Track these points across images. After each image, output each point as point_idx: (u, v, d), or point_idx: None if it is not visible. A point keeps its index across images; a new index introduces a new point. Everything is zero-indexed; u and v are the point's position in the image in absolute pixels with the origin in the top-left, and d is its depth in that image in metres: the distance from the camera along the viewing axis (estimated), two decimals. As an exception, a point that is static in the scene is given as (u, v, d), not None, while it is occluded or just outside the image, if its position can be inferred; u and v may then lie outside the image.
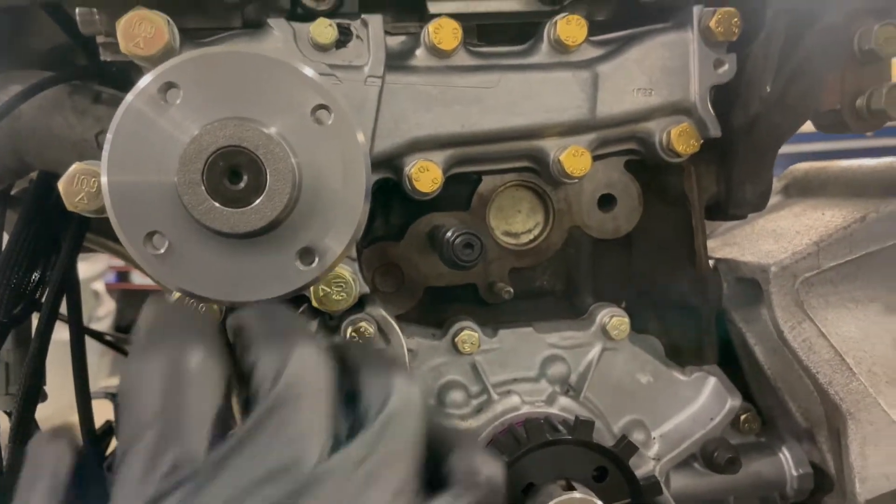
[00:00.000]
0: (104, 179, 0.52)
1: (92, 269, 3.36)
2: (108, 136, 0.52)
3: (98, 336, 1.26)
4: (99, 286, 3.62)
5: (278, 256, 0.54)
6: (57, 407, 1.00)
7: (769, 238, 0.82)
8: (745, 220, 0.87)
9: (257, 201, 0.51)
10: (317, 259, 0.54)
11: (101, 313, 3.55)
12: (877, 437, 0.68)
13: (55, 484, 0.41)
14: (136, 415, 0.40)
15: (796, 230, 0.79)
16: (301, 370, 0.41)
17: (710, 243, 0.88)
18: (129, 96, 0.53)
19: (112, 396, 1.23)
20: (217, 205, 0.50)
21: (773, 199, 0.93)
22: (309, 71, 0.54)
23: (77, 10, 0.70)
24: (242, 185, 0.51)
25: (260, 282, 0.54)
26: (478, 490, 0.42)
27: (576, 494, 0.63)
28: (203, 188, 0.50)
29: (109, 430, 1.15)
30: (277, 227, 0.53)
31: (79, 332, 0.92)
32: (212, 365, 0.41)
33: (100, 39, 0.72)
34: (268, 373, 0.41)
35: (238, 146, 0.50)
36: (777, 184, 0.96)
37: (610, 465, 0.67)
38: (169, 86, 0.52)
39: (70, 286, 0.90)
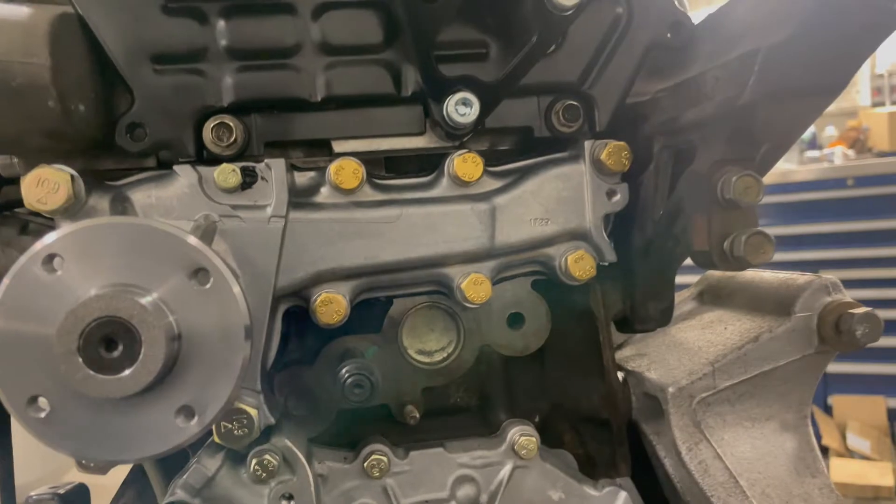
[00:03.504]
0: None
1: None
2: (3, 285, 0.55)
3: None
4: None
5: (158, 416, 0.56)
6: None
7: (676, 351, 0.84)
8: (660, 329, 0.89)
9: (132, 368, 0.53)
10: (196, 416, 0.56)
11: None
12: (768, 563, 0.70)
13: None
14: None
15: (699, 345, 0.82)
16: None
17: (625, 351, 0.90)
18: (21, 259, 0.55)
19: (60, 498, 1.23)
20: (93, 373, 0.53)
21: (688, 306, 0.96)
22: (188, 236, 0.57)
23: (-5, 156, 0.74)
24: (117, 353, 0.53)
25: (141, 441, 0.56)
26: None
27: None
28: (79, 358, 0.53)
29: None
30: (155, 389, 0.55)
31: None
32: None
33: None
34: None
35: (113, 316, 0.53)
36: (694, 289, 0.99)
37: None
38: (51, 257, 0.54)
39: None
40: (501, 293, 0.82)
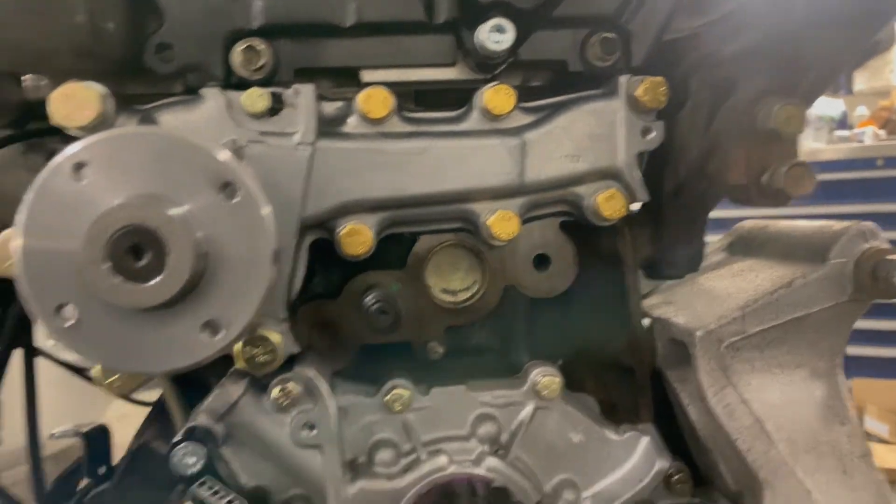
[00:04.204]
0: (17, 243, 0.54)
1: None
2: (26, 200, 0.55)
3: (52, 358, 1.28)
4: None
5: (184, 329, 0.55)
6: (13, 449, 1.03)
7: (704, 298, 0.82)
8: (688, 276, 0.88)
9: (158, 278, 0.53)
10: (222, 331, 0.56)
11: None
12: (791, 506, 0.69)
13: None
14: None
15: (729, 292, 0.80)
16: None
17: (652, 299, 0.89)
18: (49, 166, 0.55)
19: (83, 436, 1.24)
20: (120, 281, 0.52)
21: (718, 256, 0.94)
22: (218, 151, 0.56)
23: (23, 77, 0.73)
24: (144, 262, 0.53)
25: (166, 354, 0.56)
26: None
27: (488, 560, 0.64)
28: (106, 265, 0.52)
29: (78, 468, 1.17)
30: (182, 301, 0.55)
31: (29, 363, 0.95)
32: None
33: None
34: None
35: (139, 225, 0.52)
36: (724, 240, 0.97)
37: (525, 530, 0.67)
38: (79, 165, 0.54)
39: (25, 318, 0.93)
40: (528, 234, 0.80)
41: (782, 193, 0.61)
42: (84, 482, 1.13)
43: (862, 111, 6.36)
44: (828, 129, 5.90)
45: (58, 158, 0.54)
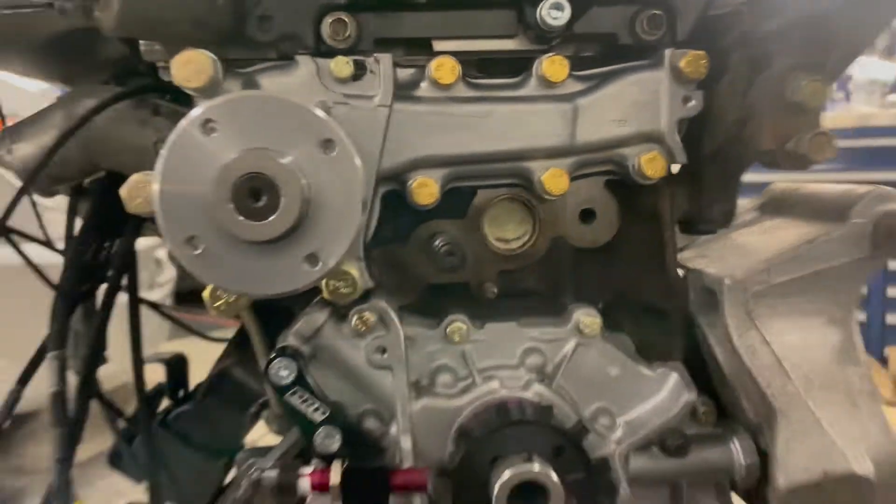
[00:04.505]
0: (156, 187, 0.66)
1: (155, 238, 3.56)
2: (162, 153, 0.66)
3: (154, 307, 1.43)
4: (161, 254, 3.86)
5: (289, 260, 0.67)
6: (117, 368, 1.17)
7: (736, 252, 0.91)
8: (721, 233, 0.97)
9: (273, 216, 0.64)
10: (320, 263, 0.68)
11: (163, 279, 3.76)
12: (802, 433, 0.78)
13: None
14: None
15: (757, 247, 0.88)
16: None
17: (686, 253, 0.98)
18: (182, 123, 0.66)
19: (165, 362, 1.38)
20: (241, 218, 0.64)
21: (750, 215, 1.02)
22: (319, 111, 0.66)
23: (141, 42, 0.85)
24: (262, 203, 0.64)
25: (275, 279, 0.67)
26: None
27: (534, 466, 0.76)
28: (230, 206, 0.64)
29: (160, 391, 1.31)
30: (288, 237, 0.66)
31: (135, 306, 1.08)
32: None
33: (160, 65, 0.86)
34: None
35: (259, 173, 0.64)
36: (756, 201, 1.05)
37: (566, 444, 0.78)
38: (208, 121, 0.65)
39: (130, 266, 1.06)
40: (576, 190, 0.90)
41: (805, 158, 0.69)
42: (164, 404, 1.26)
43: (917, 75, 6.13)
44: (880, 94, 5.73)
45: (190, 116, 0.65)
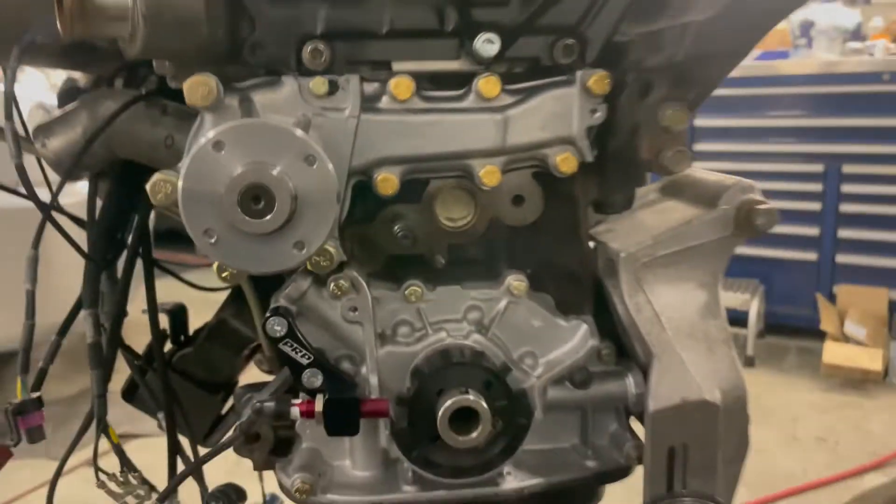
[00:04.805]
0: (180, 184, 0.87)
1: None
2: (185, 162, 0.87)
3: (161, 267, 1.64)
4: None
5: (282, 246, 0.89)
6: (133, 317, 1.39)
7: (634, 229, 1.15)
8: (628, 212, 1.20)
9: (270, 215, 0.86)
10: (306, 248, 0.90)
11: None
12: (669, 370, 1.03)
13: None
14: None
15: (650, 224, 1.12)
16: None
17: (599, 228, 1.21)
18: (200, 141, 0.87)
19: (168, 311, 1.59)
20: (246, 218, 0.86)
21: (653, 196, 1.26)
22: (300, 132, 0.87)
23: (153, 60, 1.04)
24: (262, 205, 0.86)
25: (271, 261, 0.90)
26: None
27: (469, 396, 1.01)
28: (237, 207, 0.85)
29: (164, 336, 1.53)
30: (281, 229, 0.88)
31: (149, 270, 1.30)
32: None
33: (169, 78, 1.06)
34: None
35: (259, 183, 0.85)
36: (659, 183, 1.28)
37: (494, 379, 1.03)
38: (219, 142, 0.86)
39: (145, 237, 1.27)
40: (509, 180, 1.12)
41: (667, 169, 0.92)
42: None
43: (878, 23, 6.30)
44: (841, 40, 5.89)
45: (208, 135, 0.86)
